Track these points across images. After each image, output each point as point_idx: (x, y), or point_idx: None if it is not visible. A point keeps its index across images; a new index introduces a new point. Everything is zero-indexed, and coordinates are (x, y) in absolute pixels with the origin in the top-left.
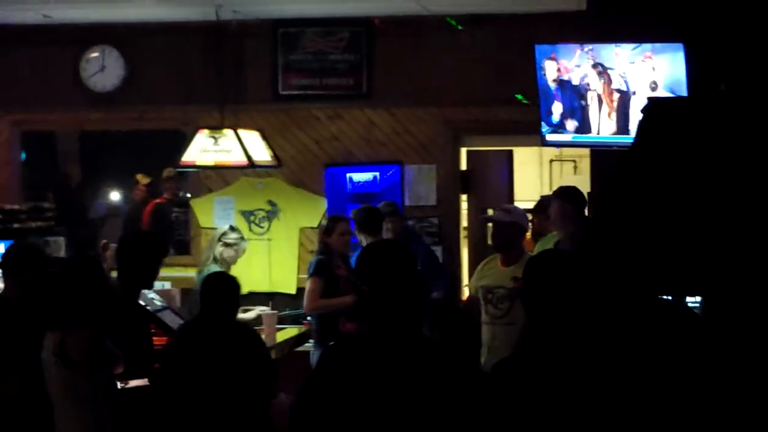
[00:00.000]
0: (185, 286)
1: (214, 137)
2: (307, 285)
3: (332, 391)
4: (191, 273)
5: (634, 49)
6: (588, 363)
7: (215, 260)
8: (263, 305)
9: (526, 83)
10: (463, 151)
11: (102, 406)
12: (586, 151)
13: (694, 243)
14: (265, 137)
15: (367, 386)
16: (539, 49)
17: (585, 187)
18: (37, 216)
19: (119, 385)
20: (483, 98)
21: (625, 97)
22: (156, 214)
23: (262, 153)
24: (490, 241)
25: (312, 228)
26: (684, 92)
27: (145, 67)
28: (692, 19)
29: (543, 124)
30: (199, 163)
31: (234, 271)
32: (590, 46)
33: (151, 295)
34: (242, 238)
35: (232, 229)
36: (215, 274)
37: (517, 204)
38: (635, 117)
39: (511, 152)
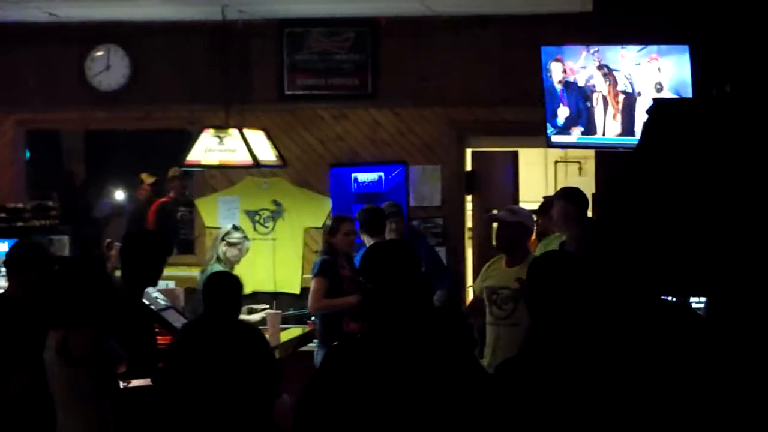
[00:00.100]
0: (189, 285)
1: (219, 137)
2: (312, 285)
3: (336, 391)
4: (195, 272)
5: (639, 50)
6: (592, 364)
7: (218, 260)
8: (267, 305)
9: (531, 84)
10: (468, 151)
11: (105, 405)
12: (592, 153)
13: (698, 244)
14: (270, 137)
15: (371, 386)
16: (545, 50)
17: (590, 188)
18: (41, 215)
19: (121, 384)
20: (488, 99)
21: (630, 99)
22: (161, 213)
23: (267, 153)
24: (494, 242)
25: (317, 228)
26: (689, 94)
27: (151, 67)
28: (698, 21)
29: (548, 125)
30: (204, 162)
31: (238, 270)
32: (596, 48)
33: (155, 294)
34: (245, 238)
35: (235, 228)
36: (217, 273)
37: (522, 205)
38: (640, 118)
39: (516, 153)
